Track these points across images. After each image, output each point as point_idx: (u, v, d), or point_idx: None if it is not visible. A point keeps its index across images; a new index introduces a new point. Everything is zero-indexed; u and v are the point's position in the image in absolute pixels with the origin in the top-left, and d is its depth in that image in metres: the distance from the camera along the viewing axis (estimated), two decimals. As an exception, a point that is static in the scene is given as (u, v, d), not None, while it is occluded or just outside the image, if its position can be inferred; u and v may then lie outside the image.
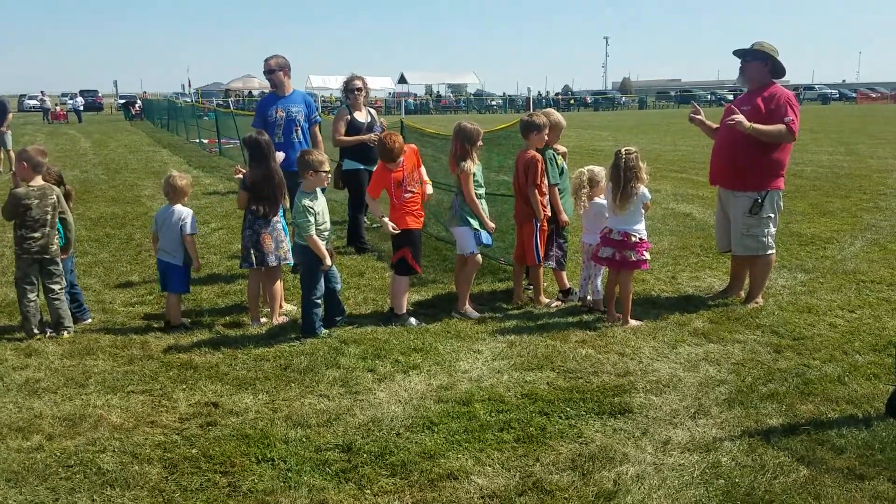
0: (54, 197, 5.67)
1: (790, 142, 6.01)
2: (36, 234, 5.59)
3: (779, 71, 6.13)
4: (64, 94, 75.66)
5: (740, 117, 5.85)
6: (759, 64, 6.10)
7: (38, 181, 5.67)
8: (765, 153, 6.01)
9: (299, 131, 7.54)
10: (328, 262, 5.58)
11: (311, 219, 5.52)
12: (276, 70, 7.57)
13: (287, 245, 5.98)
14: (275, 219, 5.93)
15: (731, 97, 53.08)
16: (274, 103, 7.54)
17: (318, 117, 7.90)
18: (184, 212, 5.89)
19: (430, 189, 6.18)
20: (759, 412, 4.27)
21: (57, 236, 5.72)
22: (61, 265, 5.78)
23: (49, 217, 5.63)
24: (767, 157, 6.03)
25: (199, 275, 7.44)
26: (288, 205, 6.29)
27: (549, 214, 6.33)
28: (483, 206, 6.16)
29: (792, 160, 17.35)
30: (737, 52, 6.23)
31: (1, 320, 6.20)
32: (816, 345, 5.35)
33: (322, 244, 5.56)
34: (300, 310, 5.88)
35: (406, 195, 5.88)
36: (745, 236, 6.18)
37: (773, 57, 6.07)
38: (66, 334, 5.70)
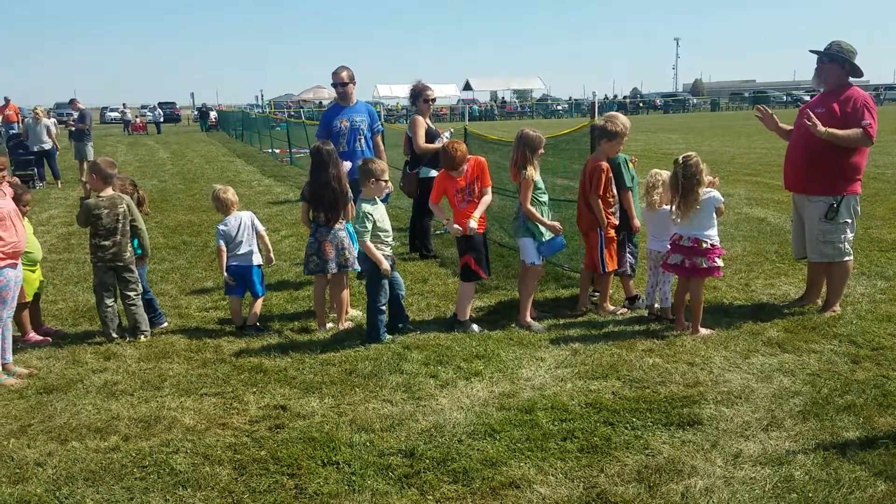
0: (124, 206, 5.90)
1: (867, 146, 5.79)
2: (107, 243, 5.84)
3: (856, 72, 5.91)
4: (143, 107, 78.79)
5: (815, 120, 5.66)
6: (836, 65, 5.89)
7: (108, 191, 5.91)
8: (840, 156, 5.80)
9: (363, 140, 7.67)
10: (384, 266, 5.64)
11: (368, 226, 5.61)
12: (348, 83, 7.72)
13: (352, 252, 6.08)
14: (338, 226, 6.04)
15: (807, 98, 51.24)
16: (338, 113, 7.68)
17: (380, 127, 8.01)
18: (248, 215, 6.15)
19: (488, 198, 6.07)
20: (834, 425, 4.11)
21: (130, 244, 5.96)
22: (136, 272, 6.01)
23: (119, 226, 5.86)
24: (843, 161, 5.81)
25: (268, 280, 7.66)
26: (354, 213, 6.39)
27: (616, 223, 6.24)
28: (545, 213, 6.08)
29: (872, 163, 16.79)
30: (814, 52, 6.03)
31: (83, 325, 6.49)
32: (897, 355, 5.11)
33: (376, 250, 5.63)
34: (364, 315, 5.96)
35: (464, 204, 5.89)
36: (820, 242, 5.96)
37: (851, 60, 5.85)
38: (142, 338, 5.93)
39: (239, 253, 6.08)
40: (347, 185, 6.13)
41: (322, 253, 5.98)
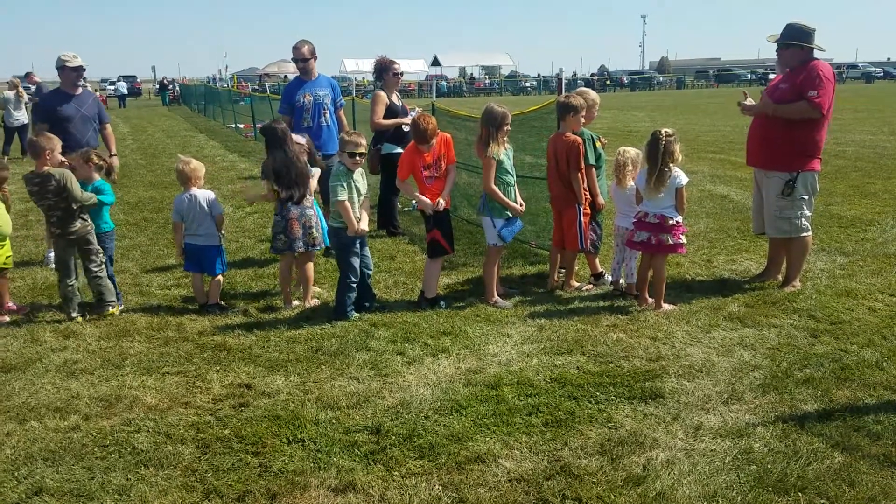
0: (53, 183, 5.62)
1: (816, 117, 5.81)
2: (53, 218, 5.70)
3: (817, 49, 5.96)
4: (103, 80, 76.83)
5: (750, 103, 5.83)
6: (794, 50, 5.94)
7: (45, 167, 5.68)
8: (798, 132, 5.86)
9: (327, 115, 7.57)
10: (356, 227, 5.60)
11: (345, 184, 5.56)
12: (309, 58, 7.59)
13: (319, 230, 6.01)
14: (306, 204, 5.96)
15: (772, 76, 51.87)
16: (300, 88, 7.55)
17: (342, 101, 7.91)
18: (206, 193, 5.99)
19: (453, 174, 6.04)
20: (793, 398, 4.20)
21: (82, 216, 5.76)
22: (95, 242, 5.85)
23: (56, 200, 5.63)
24: (801, 137, 5.88)
25: (233, 258, 7.58)
26: (318, 188, 6.33)
27: (590, 198, 6.25)
28: (510, 193, 6.05)
29: (833, 140, 17.10)
30: (771, 40, 6.07)
31: (42, 303, 6.34)
32: (855, 329, 5.23)
33: (351, 211, 5.58)
34: (330, 293, 5.91)
35: (431, 180, 5.85)
36: (777, 218, 6.05)
37: (808, 42, 5.90)
38: (110, 309, 5.82)
39: (191, 232, 5.98)
40: (306, 161, 6.05)
41: (289, 231, 5.90)
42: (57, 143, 5.81)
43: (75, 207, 5.71)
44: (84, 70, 7.23)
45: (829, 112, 5.89)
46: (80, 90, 7.28)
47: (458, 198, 9.57)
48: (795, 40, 5.92)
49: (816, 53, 5.99)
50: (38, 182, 5.64)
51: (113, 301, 5.88)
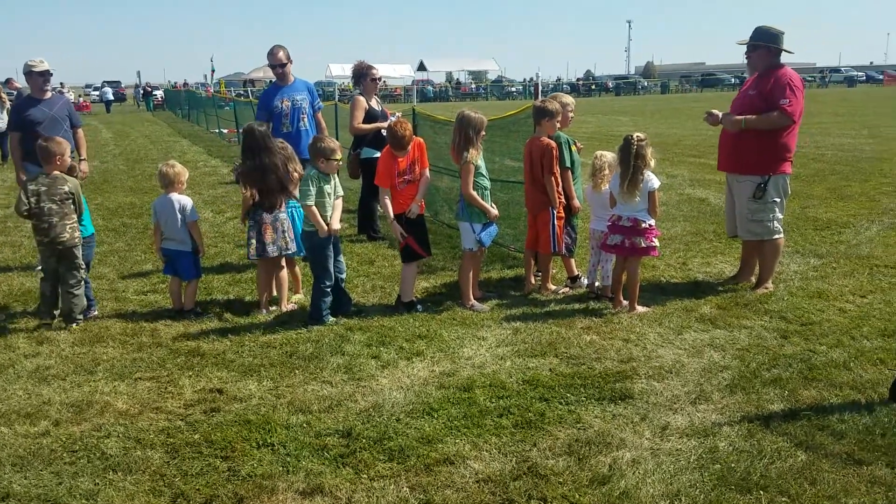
0: (66, 189, 5.65)
1: (787, 125, 5.91)
2: (42, 226, 5.63)
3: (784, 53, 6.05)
4: (88, 86, 76.38)
5: (734, 118, 5.93)
6: (763, 51, 6.02)
7: (54, 171, 5.67)
8: (768, 137, 5.94)
9: (306, 119, 7.59)
10: (324, 228, 5.59)
11: (313, 189, 5.56)
12: (286, 63, 7.60)
13: (291, 235, 6.01)
14: (279, 209, 5.96)
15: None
16: (278, 94, 7.57)
17: (320, 104, 7.93)
18: (183, 199, 5.96)
19: (427, 179, 6.07)
20: (760, 398, 4.25)
21: (70, 227, 5.72)
22: (79, 256, 5.77)
23: (45, 206, 5.58)
24: (771, 141, 5.95)
25: (211, 263, 7.57)
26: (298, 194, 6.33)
27: (564, 202, 6.29)
28: (486, 197, 6.08)
29: (813, 144, 17.28)
30: (741, 43, 6.16)
31: (16, 309, 6.31)
32: (824, 330, 5.30)
33: (318, 215, 5.57)
34: (309, 298, 5.91)
35: (404, 184, 5.88)
36: (750, 221, 6.13)
37: (777, 44, 5.98)
38: (74, 326, 5.74)
39: (167, 236, 5.98)
40: (286, 167, 6.03)
41: (262, 236, 5.91)
42: (66, 147, 5.80)
43: (71, 216, 5.68)
44: (51, 74, 7.27)
45: (800, 117, 6.00)
46: (49, 94, 7.32)
47: (438, 202, 9.61)
48: (764, 42, 6.00)
49: (784, 57, 6.08)
50: (47, 183, 5.62)
51: (80, 319, 5.83)
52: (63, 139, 5.92)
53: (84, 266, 5.87)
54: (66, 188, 5.64)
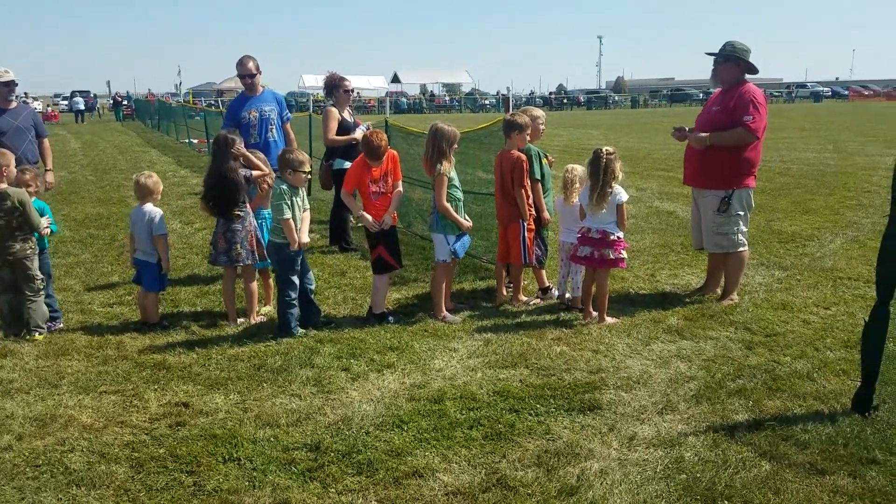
0: (7, 203, 5.48)
1: (751, 141, 6.03)
2: None
3: (752, 69, 6.16)
4: (56, 95, 75.29)
5: (699, 136, 6.04)
6: (731, 65, 6.13)
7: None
8: (732, 152, 6.05)
9: (274, 130, 7.56)
10: (297, 243, 5.59)
11: (288, 202, 5.56)
12: (256, 73, 7.58)
13: (245, 247, 5.93)
14: (234, 221, 5.90)
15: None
16: (245, 105, 7.54)
17: (289, 115, 7.91)
18: (153, 211, 5.90)
19: (400, 191, 6.09)
20: (725, 408, 4.30)
21: (23, 238, 5.59)
22: (33, 268, 5.65)
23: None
24: (735, 156, 6.06)
25: (178, 275, 7.49)
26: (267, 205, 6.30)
27: (535, 214, 6.34)
28: (459, 208, 6.12)
29: (779, 158, 17.59)
30: (709, 54, 6.27)
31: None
32: (788, 341, 5.39)
33: (294, 228, 5.57)
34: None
35: (378, 196, 5.88)
36: (715, 234, 6.23)
37: (745, 58, 6.10)
38: (37, 335, 5.64)
39: (137, 246, 5.96)
40: (243, 178, 5.97)
41: (215, 244, 5.93)
42: (11, 158, 5.67)
43: (19, 229, 5.56)
44: (16, 84, 7.19)
45: (763, 133, 6.12)
46: (13, 104, 7.23)
47: (412, 213, 9.62)
48: (734, 56, 6.11)
49: (749, 76, 6.18)
50: None
51: (42, 329, 5.73)
52: (6, 150, 5.81)
53: (40, 277, 5.76)
54: (8, 203, 5.50)
